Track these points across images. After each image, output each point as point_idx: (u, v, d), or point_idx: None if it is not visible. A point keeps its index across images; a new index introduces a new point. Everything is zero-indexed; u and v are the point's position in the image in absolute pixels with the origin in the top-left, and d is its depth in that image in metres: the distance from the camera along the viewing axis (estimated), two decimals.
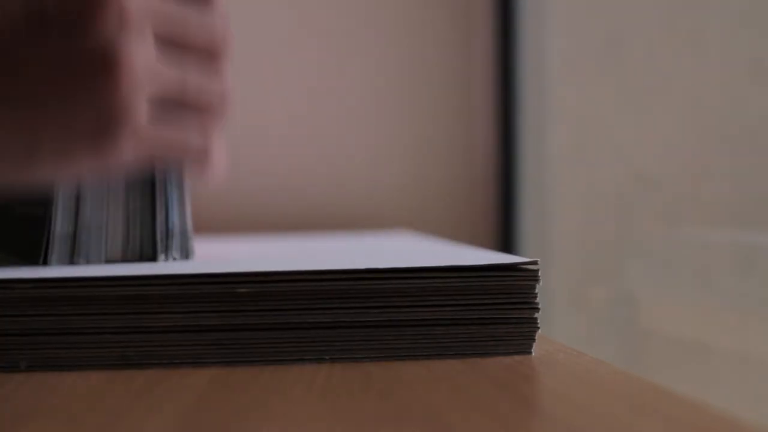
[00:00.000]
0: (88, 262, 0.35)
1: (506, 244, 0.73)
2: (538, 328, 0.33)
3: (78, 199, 0.36)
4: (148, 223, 0.36)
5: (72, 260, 0.35)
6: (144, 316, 0.30)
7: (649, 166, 0.63)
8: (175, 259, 0.37)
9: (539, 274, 0.32)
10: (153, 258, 0.36)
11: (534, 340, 0.32)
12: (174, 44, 0.27)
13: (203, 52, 0.28)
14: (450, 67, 0.75)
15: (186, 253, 0.37)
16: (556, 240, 0.72)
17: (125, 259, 0.36)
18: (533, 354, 0.32)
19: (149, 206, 0.37)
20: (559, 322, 0.72)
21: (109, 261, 0.36)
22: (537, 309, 0.33)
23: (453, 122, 0.74)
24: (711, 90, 0.56)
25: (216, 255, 0.41)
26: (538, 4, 0.73)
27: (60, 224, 0.35)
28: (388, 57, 0.74)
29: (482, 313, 0.32)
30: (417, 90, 0.75)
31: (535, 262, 0.33)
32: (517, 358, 0.32)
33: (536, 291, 0.33)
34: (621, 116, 0.67)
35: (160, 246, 0.36)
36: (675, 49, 0.60)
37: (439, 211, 0.74)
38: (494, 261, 0.32)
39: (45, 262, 0.35)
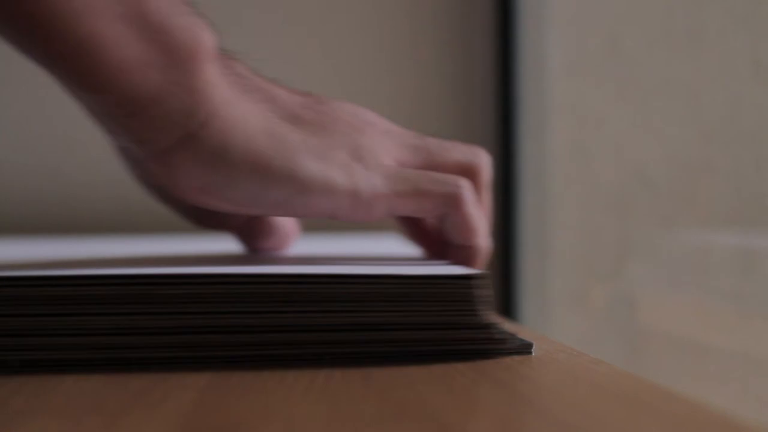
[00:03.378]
0: None
1: (506, 244, 0.74)
2: (499, 336, 0.31)
3: None
4: None
5: None
6: (136, 317, 0.30)
7: (649, 165, 0.63)
8: None
9: (475, 284, 0.30)
10: None
11: (493, 351, 0.31)
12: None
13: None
14: (449, 66, 0.75)
15: None
16: (556, 240, 0.72)
17: None
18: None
19: None
20: (559, 322, 0.72)
21: None
22: (480, 318, 0.30)
23: (453, 122, 0.74)
24: (711, 90, 0.56)
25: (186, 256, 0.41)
26: (538, 4, 0.73)
27: None
28: (387, 57, 0.74)
29: (421, 318, 0.30)
30: (416, 90, 0.75)
31: (479, 275, 0.30)
32: (517, 358, 0.32)
33: (475, 301, 0.30)
34: (621, 116, 0.67)
35: None
36: (675, 49, 0.60)
37: None
38: (431, 272, 0.31)
39: None
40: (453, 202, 0.36)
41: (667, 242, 0.60)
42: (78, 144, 0.71)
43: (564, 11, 0.73)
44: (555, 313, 0.72)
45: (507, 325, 0.40)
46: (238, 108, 0.33)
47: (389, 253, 0.44)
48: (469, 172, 0.38)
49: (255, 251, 0.43)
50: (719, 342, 0.54)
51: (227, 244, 0.53)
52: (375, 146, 0.36)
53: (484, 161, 0.39)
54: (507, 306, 0.73)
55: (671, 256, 0.60)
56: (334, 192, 0.34)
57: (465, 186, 0.36)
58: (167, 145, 0.32)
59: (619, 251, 0.66)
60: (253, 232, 0.42)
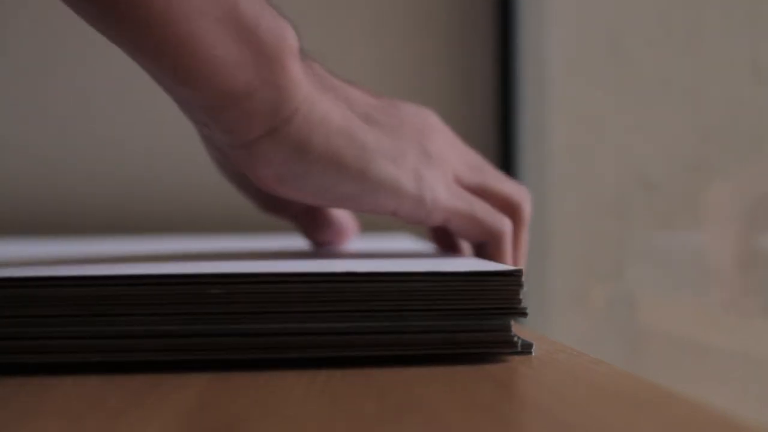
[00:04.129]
0: None
1: None
2: (513, 337, 0.31)
3: None
4: None
5: None
6: (138, 318, 0.29)
7: (649, 166, 0.63)
8: None
9: (522, 280, 0.31)
10: None
11: (508, 349, 0.31)
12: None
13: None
14: (449, 66, 0.75)
15: None
16: (556, 240, 0.72)
17: None
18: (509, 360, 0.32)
19: None
20: (559, 322, 0.72)
21: None
22: (519, 315, 0.31)
23: (452, 122, 0.74)
24: (711, 90, 0.56)
25: (214, 254, 0.41)
26: (538, 4, 0.73)
27: None
28: (387, 56, 0.74)
29: (454, 320, 0.30)
30: (416, 90, 0.75)
31: (518, 271, 0.31)
32: (517, 358, 0.32)
33: (520, 296, 0.31)
34: (621, 116, 0.67)
35: None
36: (675, 49, 0.60)
37: None
38: (474, 268, 0.31)
39: None
40: (496, 237, 0.39)
41: (667, 242, 0.60)
42: (74, 144, 0.71)
43: (564, 11, 0.73)
44: (555, 313, 0.72)
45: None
46: (320, 105, 0.35)
47: (412, 250, 0.44)
48: (512, 207, 0.41)
49: (314, 243, 0.46)
50: (719, 342, 0.54)
51: (239, 242, 0.52)
52: (441, 156, 0.38)
53: (528, 202, 0.42)
54: None
55: (671, 257, 0.60)
56: (401, 195, 0.36)
57: (509, 226, 0.39)
58: (254, 137, 0.34)
59: (619, 251, 0.66)
60: (313, 224, 0.44)
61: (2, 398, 0.26)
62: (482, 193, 0.40)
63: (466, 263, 0.34)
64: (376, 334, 0.30)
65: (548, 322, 0.72)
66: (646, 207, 0.63)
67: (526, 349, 0.32)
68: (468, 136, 0.74)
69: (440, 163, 0.38)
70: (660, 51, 0.62)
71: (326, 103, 0.35)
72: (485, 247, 0.40)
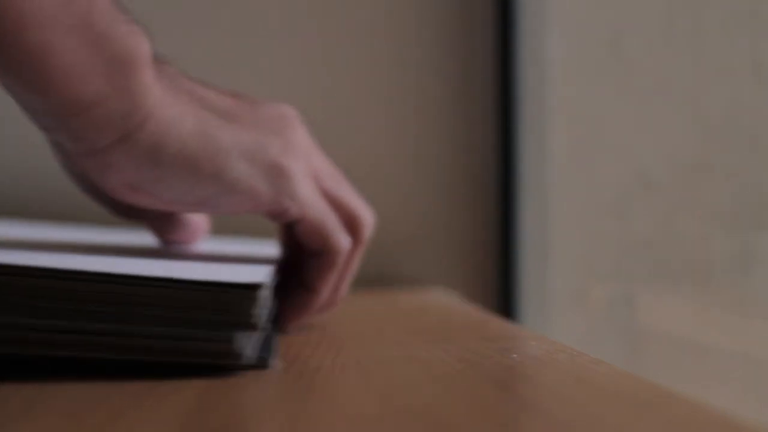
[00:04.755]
0: None
1: (506, 245, 0.73)
2: (237, 353, 0.29)
3: None
4: None
5: None
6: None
7: (649, 165, 0.63)
8: None
9: (258, 295, 0.29)
10: None
11: (236, 361, 0.29)
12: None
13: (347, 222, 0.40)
14: (449, 66, 0.75)
15: None
16: (556, 240, 0.72)
17: None
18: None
19: None
20: (559, 322, 0.72)
21: None
22: (247, 328, 0.29)
23: (452, 122, 0.74)
24: (711, 90, 0.56)
25: None
26: (538, 4, 0.73)
27: None
28: (387, 57, 0.74)
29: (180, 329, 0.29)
30: (416, 90, 0.75)
31: (255, 286, 0.29)
32: (517, 358, 0.31)
33: (252, 311, 0.29)
34: (621, 116, 0.67)
35: None
36: (675, 49, 0.60)
37: (438, 211, 0.74)
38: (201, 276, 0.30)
39: None
40: (334, 253, 0.38)
41: (667, 242, 0.60)
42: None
43: (564, 11, 0.73)
44: (555, 313, 0.72)
45: (509, 326, 0.40)
46: (172, 109, 0.34)
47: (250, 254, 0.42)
48: (356, 226, 0.40)
49: (166, 243, 0.44)
50: (719, 342, 0.54)
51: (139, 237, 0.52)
52: (303, 149, 0.38)
53: (371, 226, 0.41)
54: (507, 306, 0.73)
55: (671, 256, 0.60)
56: (257, 196, 0.36)
57: (349, 245, 0.39)
58: (104, 144, 0.33)
59: (619, 251, 0.66)
60: (167, 226, 0.43)
61: (2, 398, 0.26)
62: (333, 202, 0.39)
63: (208, 271, 0.32)
64: (99, 335, 0.29)
65: (548, 322, 0.72)
66: (646, 206, 0.63)
67: (262, 363, 0.30)
68: (468, 136, 0.74)
69: (303, 156, 0.38)
70: (661, 51, 0.62)
71: (179, 105, 0.34)
72: (318, 259, 0.39)
